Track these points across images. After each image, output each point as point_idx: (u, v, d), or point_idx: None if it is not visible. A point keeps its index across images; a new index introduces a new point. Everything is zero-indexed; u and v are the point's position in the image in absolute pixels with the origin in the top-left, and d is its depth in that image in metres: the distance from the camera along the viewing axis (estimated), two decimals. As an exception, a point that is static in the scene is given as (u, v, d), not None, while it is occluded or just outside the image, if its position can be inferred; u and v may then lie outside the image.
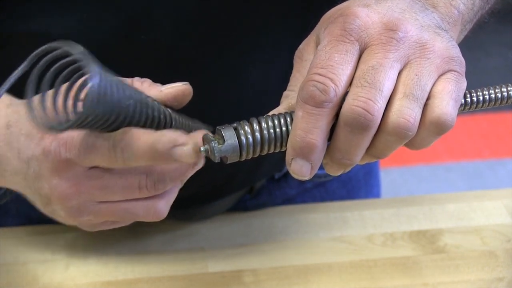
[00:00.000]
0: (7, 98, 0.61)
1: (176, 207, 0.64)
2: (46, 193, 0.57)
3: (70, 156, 0.54)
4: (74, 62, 0.47)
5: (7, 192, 0.85)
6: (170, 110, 0.58)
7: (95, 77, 0.46)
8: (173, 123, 0.58)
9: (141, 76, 0.71)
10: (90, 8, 0.65)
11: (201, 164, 0.57)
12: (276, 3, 0.70)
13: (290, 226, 0.86)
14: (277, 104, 0.56)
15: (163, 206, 0.59)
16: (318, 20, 0.56)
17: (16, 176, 0.58)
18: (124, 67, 0.70)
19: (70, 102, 0.49)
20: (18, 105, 0.59)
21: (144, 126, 0.54)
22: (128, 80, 0.59)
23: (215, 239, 0.84)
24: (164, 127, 0.57)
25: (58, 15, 0.65)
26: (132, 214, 0.59)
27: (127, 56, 0.69)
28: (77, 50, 0.46)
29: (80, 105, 0.49)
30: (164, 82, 0.72)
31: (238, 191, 0.87)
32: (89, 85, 0.46)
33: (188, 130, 0.61)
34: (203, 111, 0.74)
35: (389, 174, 2.34)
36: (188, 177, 0.59)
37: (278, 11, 0.70)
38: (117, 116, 0.50)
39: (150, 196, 0.58)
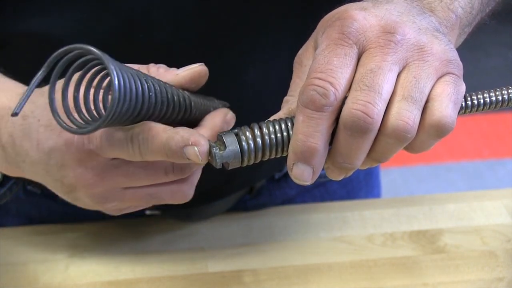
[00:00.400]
0: (20, 88, 0.61)
1: (177, 207, 0.64)
2: (70, 182, 0.57)
3: (92, 147, 0.55)
4: (93, 60, 0.47)
5: (7, 192, 0.85)
6: (187, 93, 0.58)
7: (117, 74, 0.46)
8: (192, 105, 0.58)
9: None
10: (89, 8, 0.65)
11: None
12: (275, 4, 0.69)
13: (290, 226, 0.86)
14: (276, 104, 0.56)
15: (189, 188, 0.61)
16: (318, 20, 0.56)
17: (34, 166, 0.59)
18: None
19: (95, 102, 0.50)
20: (33, 94, 0.59)
21: (166, 113, 0.54)
22: (143, 67, 0.59)
23: (215, 239, 0.84)
24: (185, 111, 0.57)
25: (58, 15, 0.65)
26: (158, 199, 0.60)
27: (127, 56, 0.68)
28: (94, 50, 0.46)
29: (103, 103, 0.49)
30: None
31: (238, 191, 0.87)
32: (112, 83, 0.46)
33: (207, 111, 0.61)
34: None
35: (389, 174, 2.34)
36: None
37: (277, 12, 0.70)
38: (140, 110, 0.50)
39: (175, 180, 0.59)
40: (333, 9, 0.56)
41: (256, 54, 0.72)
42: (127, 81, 0.47)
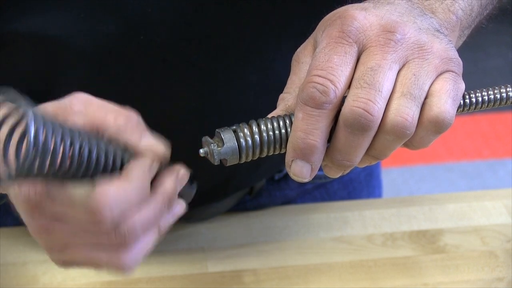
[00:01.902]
0: None
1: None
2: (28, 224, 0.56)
3: (38, 199, 0.52)
4: (13, 110, 0.45)
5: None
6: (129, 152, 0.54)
7: (31, 126, 0.43)
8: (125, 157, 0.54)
9: (140, 77, 0.71)
10: (88, 9, 0.65)
11: (182, 211, 0.56)
12: (275, 6, 0.70)
13: (290, 226, 0.86)
14: (275, 106, 0.56)
15: (129, 260, 0.54)
16: (318, 22, 0.56)
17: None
18: (122, 67, 0.70)
19: (11, 153, 0.46)
20: None
21: (105, 167, 0.51)
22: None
23: (215, 239, 0.84)
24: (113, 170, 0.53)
25: (56, 15, 0.65)
26: (95, 262, 0.55)
27: (125, 56, 0.69)
28: (15, 97, 0.44)
29: (14, 157, 0.46)
30: (162, 82, 0.72)
31: (238, 191, 0.87)
32: (26, 135, 0.43)
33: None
34: (202, 112, 0.74)
35: (389, 174, 2.34)
36: (167, 226, 0.55)
37: (277, 14, 0.70)
38: (67, 165, 0.47)
39: (117, 245, 0.53)
40: (333, 11, 0.56)
41: (256, 56, 0.72)
42: (41, 131, 0.44)
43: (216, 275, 0.79)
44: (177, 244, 0.83)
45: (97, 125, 0.53)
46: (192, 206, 0.83)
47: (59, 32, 0.66)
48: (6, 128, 0.46)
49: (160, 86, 0.71)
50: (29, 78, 0.72)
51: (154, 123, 0.74)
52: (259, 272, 0.80)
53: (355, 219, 0.87)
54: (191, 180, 0.57)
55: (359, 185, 0.99)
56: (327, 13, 0.56)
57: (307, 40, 0.57)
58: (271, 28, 0.71)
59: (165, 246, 0.83)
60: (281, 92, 0.57)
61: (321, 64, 0.51)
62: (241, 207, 0.89)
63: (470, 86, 0.56)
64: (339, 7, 0.55)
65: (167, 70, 0.70)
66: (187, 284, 0.78)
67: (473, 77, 2.77)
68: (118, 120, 0.53)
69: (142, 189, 0.52)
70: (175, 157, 0.78)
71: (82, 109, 0.53)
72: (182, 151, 0.76)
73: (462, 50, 0.59)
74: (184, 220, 0.85)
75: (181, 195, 0.56)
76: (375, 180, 1.03)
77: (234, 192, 0.86)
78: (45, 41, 0.66)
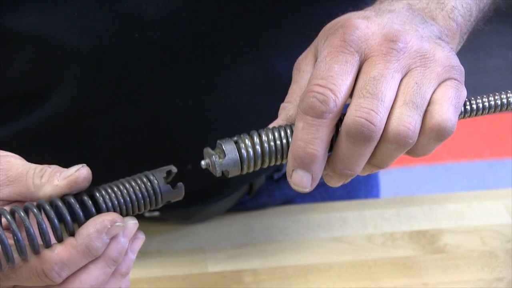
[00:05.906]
0: None
1: (176, 208, 0.63)
2: None
3: None
4: None
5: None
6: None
7: None
8: None
9: (136, 75, 0.70)
10: (83, 6, 0.65)
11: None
12: (271, 3, 0.70)
13: (290, 226, 0.86)
14: (272, 102, 0.56)
15: None
16: (314, 24, 0.56)
17: None
18: (118, 65, 0.70)
19: None
20: None
21: None
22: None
23: (215, 239, 0.84)
24: None
25: (52, 14, 0.65)
26: None
27: (121, 54, 0.69)
28: None
29: None
30: (158, 80, 0.71)
31: (237, 190, 0.87)
32: None
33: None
34: (200, 109, 0.74)
35: (389, 174, 2.34)
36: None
37: (273, 10, 0.70)
38: None
39: None
40: (331, 18, 0.56)
41: (253, 52, 0.72)
42: None
43: (216, 275, 0.79)
44: (177, 244, 0.83)
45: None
46: (191, 206, 0.84)
47: (54, 30, 0.66)
48: None
49: (157, 83, 0.71)
50: (25, 77, 0.72)
51: (151, 121, 0.74)
52: (259, 272, 0.80)
53: (355, 219, 0.87)
54: (173, 181, 0.55)
55: (358, 184, 0.99)
56: (324, 15, 0.56)
57: (308, 48, 0.57)
58: (268, 24, 0.71)
59: (165, 247, 0.83)
60: (279, 88, 0.57)
61: (322, 74, 0.51)
62: (241, 207, 0.89)
63: (471, 87, 0.56)
64: (338, 9, 0.56)
65: (163, 68, 0.70)
66: (187, 284, 0.78)
67: (474, 77, 2.77)
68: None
69: None
70: (174, 156, 0.79)
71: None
72: (180, 149, 0.76)
73: (462, 50, 0.59)
74: (184, 220, 0.86)
75: (168, 200, 0.55)
76: (374, 180, 1.04)
77: (233, 189, 0.86)
78: (40, 39, 0.66)
